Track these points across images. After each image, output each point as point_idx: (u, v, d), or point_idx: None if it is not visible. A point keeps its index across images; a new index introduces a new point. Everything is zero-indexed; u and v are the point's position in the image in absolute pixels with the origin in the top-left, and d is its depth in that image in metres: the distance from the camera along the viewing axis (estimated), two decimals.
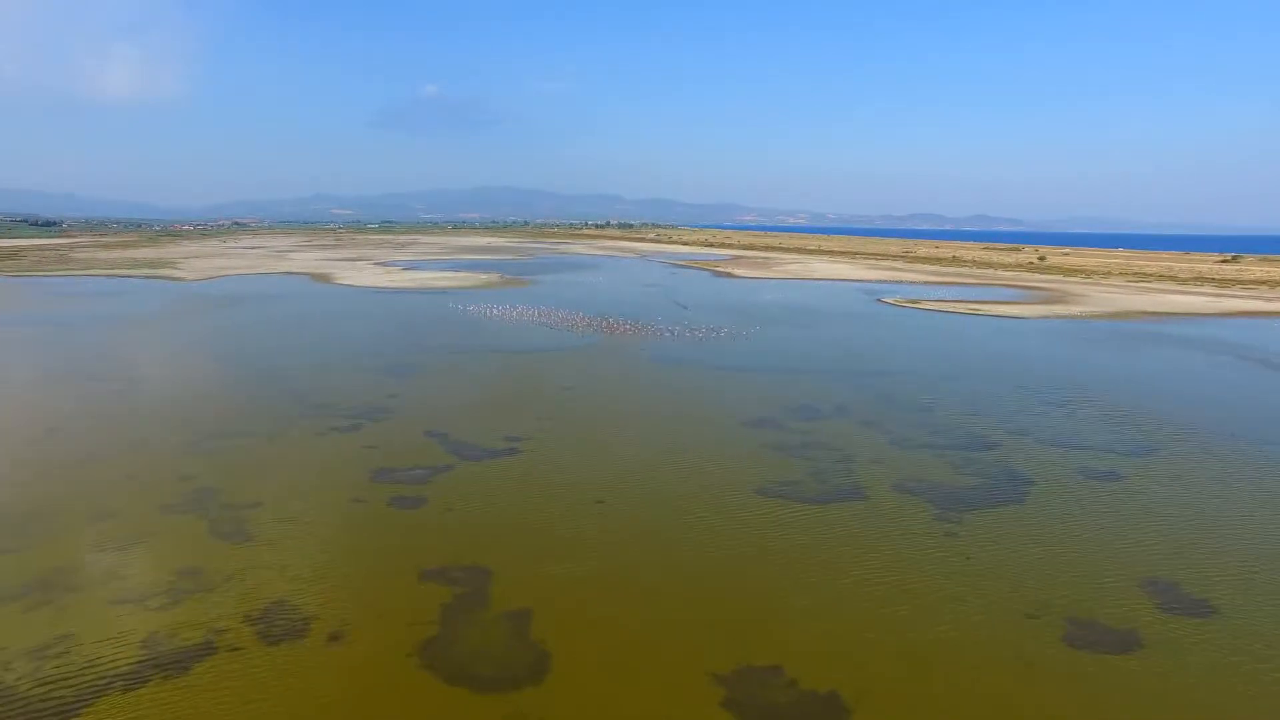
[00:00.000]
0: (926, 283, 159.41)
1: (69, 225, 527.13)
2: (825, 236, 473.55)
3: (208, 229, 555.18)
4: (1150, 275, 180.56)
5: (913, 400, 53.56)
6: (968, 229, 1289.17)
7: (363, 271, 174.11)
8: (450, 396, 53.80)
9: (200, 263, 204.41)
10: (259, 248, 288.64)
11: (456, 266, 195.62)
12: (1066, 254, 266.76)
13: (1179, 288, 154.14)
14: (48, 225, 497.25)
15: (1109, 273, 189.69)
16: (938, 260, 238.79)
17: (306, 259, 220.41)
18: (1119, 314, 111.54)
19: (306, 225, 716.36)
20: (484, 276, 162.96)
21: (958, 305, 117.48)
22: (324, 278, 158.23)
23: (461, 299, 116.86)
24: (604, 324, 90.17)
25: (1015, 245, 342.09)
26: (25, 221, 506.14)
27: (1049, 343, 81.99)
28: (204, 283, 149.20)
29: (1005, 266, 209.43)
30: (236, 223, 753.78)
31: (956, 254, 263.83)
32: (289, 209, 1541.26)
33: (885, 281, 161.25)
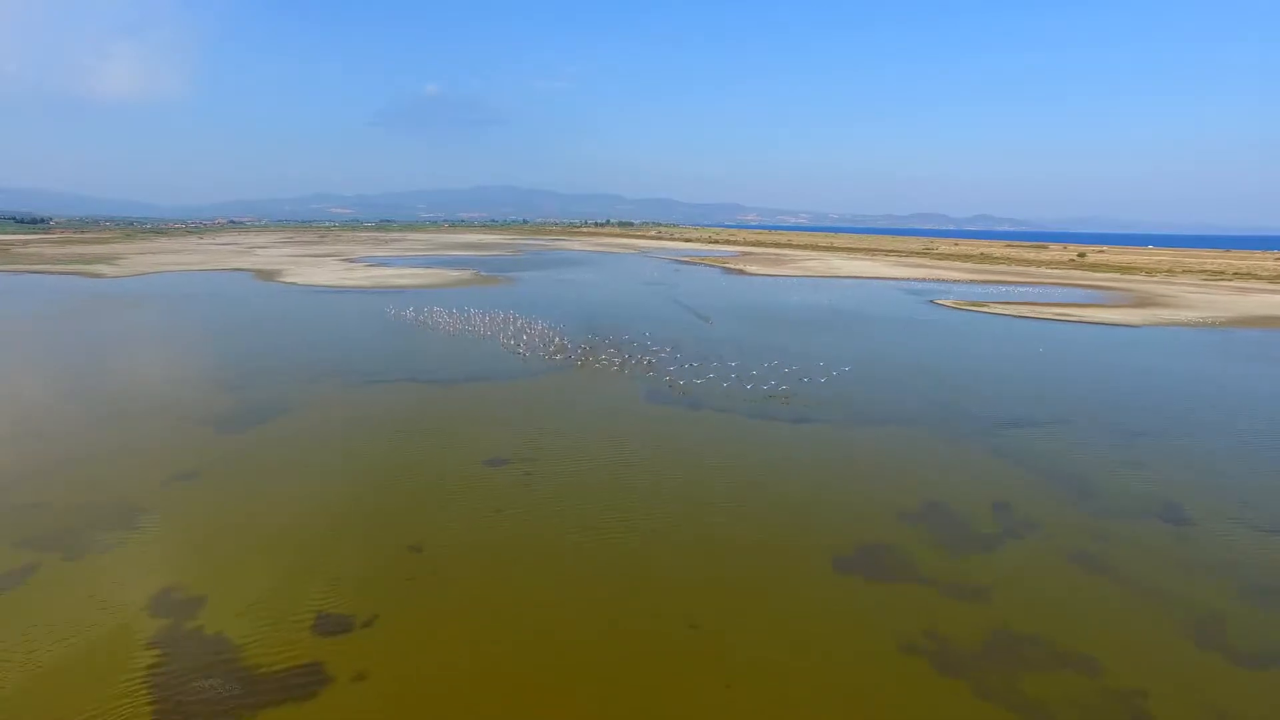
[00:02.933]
0: (970, 281, 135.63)
1: (56, 223, 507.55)
2: (834, 234, 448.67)
3: (194, 227, 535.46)
4: (1223, 274, 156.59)
5: (1125, 490, 29.79)
6: (970, 228, 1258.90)
7: (320, 269, 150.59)
8: (283, 479, 30.14)
9: (145, 259, 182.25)
10: (231, 244, 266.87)
11: (431, 263, 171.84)
12: (1102, 251, 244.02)
13: (1274, 287, 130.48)
14: (34, 222, 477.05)
15: (1170, 270, 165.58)
16: (966, 257, 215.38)
17: (270, 255, 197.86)
18: (1246, 320, 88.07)
19: (302, 224, 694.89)
20: (455, 274, 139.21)
21: (1034, 309, 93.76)
22: (269, 275, 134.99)
23: (412, 300, 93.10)
24: (583, 346, 66.56)
25: (1040, 243, 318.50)
26: (13, 219, 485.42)
27: (1211, 363, 58.17)
28: (124, 280, 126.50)
29: (1044, 264, 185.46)
30: (232, 221, 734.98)
31: (984, 251, 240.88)
32: (289, 208, 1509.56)
33: (923, 279, 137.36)
